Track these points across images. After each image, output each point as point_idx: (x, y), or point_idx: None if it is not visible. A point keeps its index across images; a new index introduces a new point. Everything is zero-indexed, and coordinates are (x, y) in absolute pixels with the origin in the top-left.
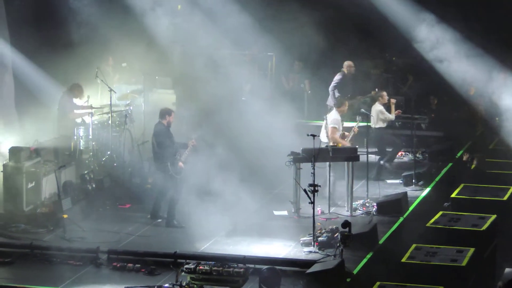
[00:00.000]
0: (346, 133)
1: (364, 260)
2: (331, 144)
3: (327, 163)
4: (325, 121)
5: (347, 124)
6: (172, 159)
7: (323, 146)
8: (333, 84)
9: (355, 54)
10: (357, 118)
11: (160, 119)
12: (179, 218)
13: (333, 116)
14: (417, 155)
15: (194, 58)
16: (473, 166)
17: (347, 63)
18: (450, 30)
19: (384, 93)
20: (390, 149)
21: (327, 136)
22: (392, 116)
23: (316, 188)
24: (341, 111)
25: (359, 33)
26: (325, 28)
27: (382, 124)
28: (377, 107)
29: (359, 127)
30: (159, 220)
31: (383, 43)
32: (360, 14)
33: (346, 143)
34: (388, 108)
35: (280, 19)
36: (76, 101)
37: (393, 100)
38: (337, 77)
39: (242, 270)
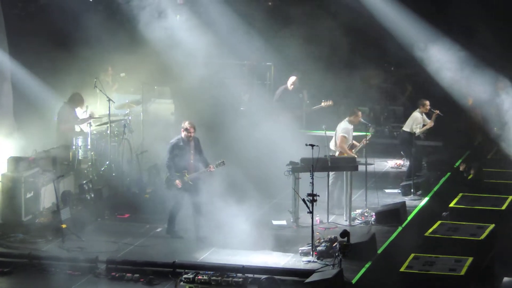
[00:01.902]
0: (355, 143)
1: (363, 270)
2: (337, 153)
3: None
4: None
5: (356, 133)
6: (171, 173)
7: (331, 154)
8: (275, 98)
9: (353, 65)
10: (370, 130)
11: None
12: (179, 228)
13: (343, 125)
14: None
15: (193, 68)
16: (470, 176)
17: (291, 79)
18: (449, 40)
19: (427, 102)
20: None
21: (336, 145)
22: (417, 131)
23: (315, 198)
24: (352, 121)
25: (358, 44)
26: (324, 39)
27: (410, 130)
28: (414, 114)
29: (369, 139)
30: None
31: (382, 53)
32: (359, 24)
33: (353, 154)
34: (429, 117)
35: (279, 29)
36: (77, 110)
37: (437, 111)
38: (278, 91)
39: (241, 279)
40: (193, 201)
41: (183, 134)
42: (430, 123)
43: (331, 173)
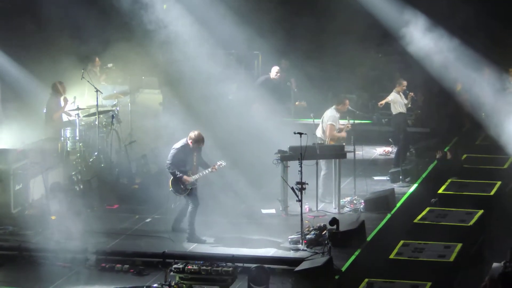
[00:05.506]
0: (342, 126)
1: (352, 257)
2: (328, 140)
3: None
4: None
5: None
6: (175, 172)
7: (318, 141)
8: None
9: (341, 52)
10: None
11: (188, 139)
12: (199, 231)
13: (330, 113)
14: None
15: (180, 58)
16: (448, 159)
17: (274, 69)
18: (437, 26)
19: (404, 82)
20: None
21: (323, 132)
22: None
23: (304, 186)
24: (339, 109)
25: (344, 31)
26: (311, 28)
27: (401, 110)
28: (392, 95)
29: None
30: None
31: (369, 41)
32: (346, 12)
33: (344, 135)
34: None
35: (267, 18)
36: (63, 99)
37: (411, 94)
38: (261, 78)
39: (230, 269)
40: (192, 199)
41: (191, 144)
42: (411, 93)
43: (322, 166)
